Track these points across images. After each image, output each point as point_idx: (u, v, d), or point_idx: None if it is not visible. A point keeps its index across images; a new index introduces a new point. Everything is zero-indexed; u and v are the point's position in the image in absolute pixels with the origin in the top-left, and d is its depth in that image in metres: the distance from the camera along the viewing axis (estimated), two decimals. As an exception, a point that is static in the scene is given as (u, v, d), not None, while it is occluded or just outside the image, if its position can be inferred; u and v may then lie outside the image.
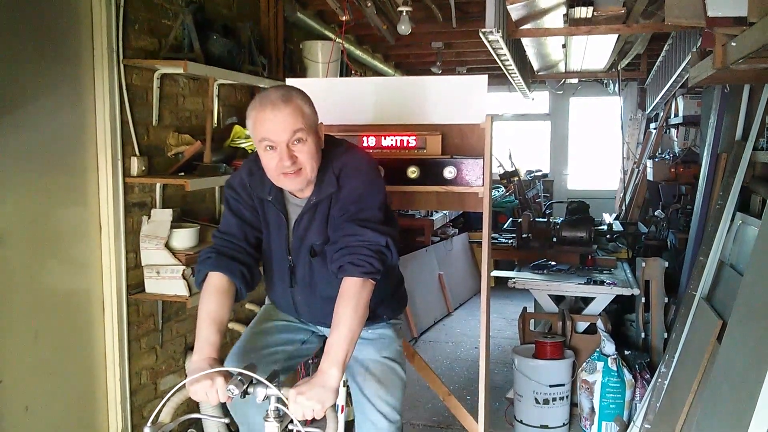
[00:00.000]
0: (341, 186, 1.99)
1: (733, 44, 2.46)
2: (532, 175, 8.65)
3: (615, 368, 3.78)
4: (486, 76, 2.72)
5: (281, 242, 2.09)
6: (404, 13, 3.74)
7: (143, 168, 3.17)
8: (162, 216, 3.22)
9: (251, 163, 2.13)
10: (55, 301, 2.88)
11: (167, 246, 3.16)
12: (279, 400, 1.72)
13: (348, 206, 1.97)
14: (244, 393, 1.74)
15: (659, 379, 3.52)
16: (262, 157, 1.95)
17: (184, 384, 1.77)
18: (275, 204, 2.06)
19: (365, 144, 2.71)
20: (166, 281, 3.15)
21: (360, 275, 1.86)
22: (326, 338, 2.27)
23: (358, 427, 2.19)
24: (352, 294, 1.86)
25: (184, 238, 3.24)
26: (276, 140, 1.88)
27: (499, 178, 7.74)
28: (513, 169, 7.81)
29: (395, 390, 2.18)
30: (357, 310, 1.84)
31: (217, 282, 1.98)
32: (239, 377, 1.73)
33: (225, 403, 1.82)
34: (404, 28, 3.80)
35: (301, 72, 4.66)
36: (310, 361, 2.41)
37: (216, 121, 3.80)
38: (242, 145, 3.80)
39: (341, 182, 1.99)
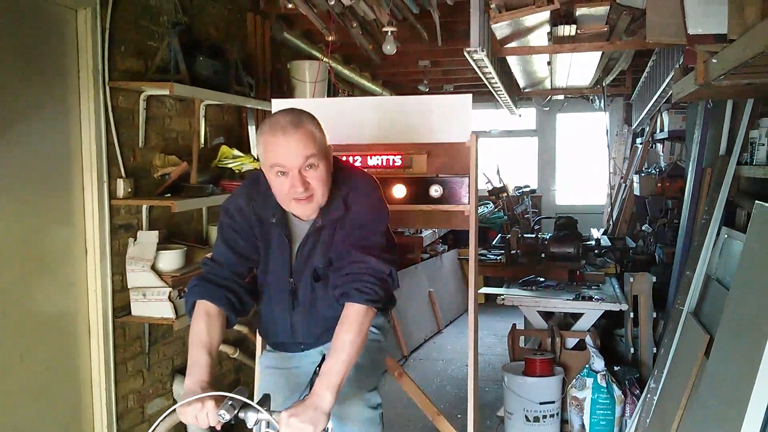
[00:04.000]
0: (348, 210, 1.99)
1: (714, 61, 2.49)
2: (521, 190, 8.68)
3: (605, 384, 3.78)
4: (470, 95, 2.74)
5: (283, 264, 2.08)
6: (389, 34, 3.77)
7: (129, 190, 3.16)
8: (148, 238, 3.21)
9: (249, 188, 2.10)
10: (41, 323, 2.86)
11: (153, 268, 3.14)
12: (270, 424, 1.71)
13: (353, 232, 1.97)
14: (236, 417, 1.72)
15: (649, 395, 3.52)
16: (272, 183, 1.94)
17: (175, 408, 1.75)
18: (279, 226, 2.04)
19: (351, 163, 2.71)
20: (152, 303, 3.13)
21: (364, 302, 1.87)
22: (320, 356, 2.26)
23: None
24: (354, 320, 1.86)
25: (171, 259, 3.23)
26: (288, 166, 1.87)
27: (487, 194, 7.77)
28: (501, 185, 7.84)
29: (376, 365, 2.20)
30: (358, 338, 1.85)
31: (206, 307, 1.96)
32: (230, 401, 1.72)
33: (214, 427, 1.80)
34: (389, 48, 3.83)
35: (289, 91, 4.68)
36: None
37: (203, 142, 3.80)
38: (229, 165, 3.80)
39: (348, 206, 1.99)
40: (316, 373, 2.23)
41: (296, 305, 2.10)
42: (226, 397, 1.73)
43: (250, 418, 1.72)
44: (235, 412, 1.72)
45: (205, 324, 1.92)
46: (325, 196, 1.96)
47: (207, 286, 1.99)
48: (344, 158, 2.70)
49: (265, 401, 1.76)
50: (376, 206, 2.04)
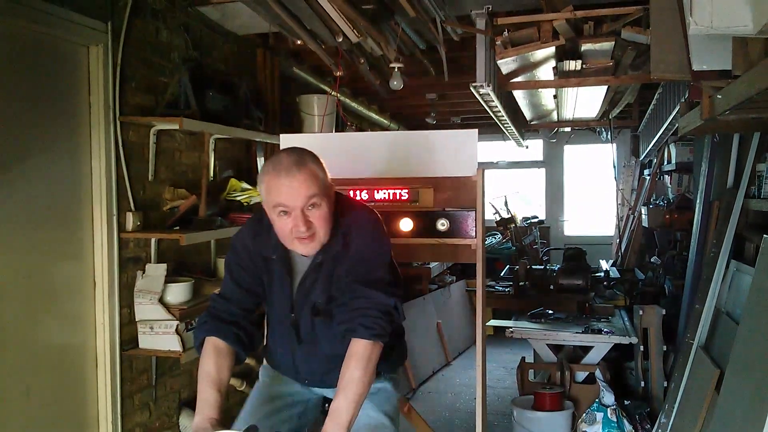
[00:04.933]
0: (348, 245, 1.99)
1: (719, 97, 2.50)
2: (529, 221, 8.68)
3: (615, 419, 3.73)
4: (476, 130, 2.76)
5: (284, 300, 2.08)
6: (396, 70, 3.82)
7: (138, 223, 3.19)
8: (156, 271, 3.22)
9: (254, 224, 2.11)
10: (48, 357, 2.87)
11: (161, 301, 3.15)
12: None
13: (355, 267, 1.97)
14: None
15: (660, 430, 3.47)
16: (275, 222, 1.94)
17: None
18: (280, 262, 2.05)
19: (358, 197, 2.73)
20: (159, 336, 3.14)
21: (371, 338, 1.87)
22: (324, 399, 2.26)
23: None
24: (362, 356, 1.85)
25: (179, 292, 3.24)
26: (291, 206, 1.87)
27: (495, 225, 7.77)
28: (509, 215, 7.85)
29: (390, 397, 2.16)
30: (366, 374, 1.84)
31: (215, 343, 1.97)
32: None
33: None
34: (396, 83, 3.87)
35: (298, 125, 4.72)
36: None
37: (212, 175, 3.83)
38: (238, 198, 3.83)
39: (348, 241, 1.99)
40: (323, 413, 2.22)
41: (298, 340, 2.10)
42: None
43: None
44: None
45: (214, 361, 1.93)
46: (328, 234, 1.96)
47: (216, 323, 1.99)
48: (351, 192, 2.73)
49: None
50: (378, 240, 2.04)
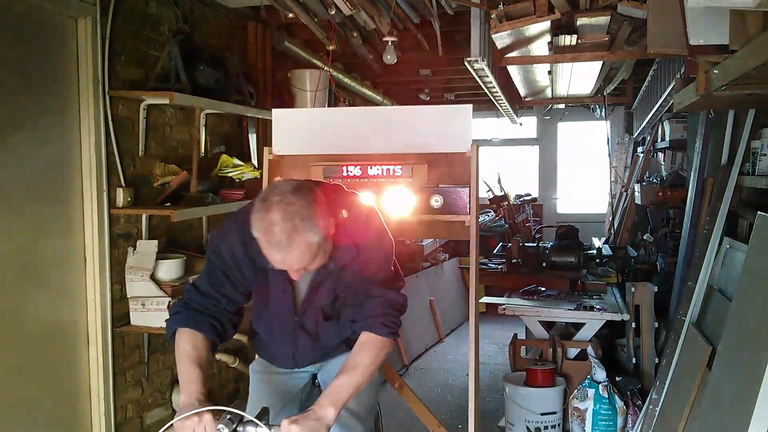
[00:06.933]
0: (357, 249, 1.94)
1: (716, 72, 2.48)
2: (522, 199, 8.66)
3: (606, 395, 3.75)
4: (470, 106, 2.73)
5: (287, 305, 2.05)
6: (389, 44, 3.77)
7: (129, 199, 3.16)
8: (148, 247, 3.20)
9: (243, 227, 1.85)
10: (39, 335, 2.85)
11: (153, 277, 3.13)
12: None
13: (365, 267, 1.96)
14: (234, 431, 1.71)
15: (651, 406, 3.49)
16: None
17: (173, 422, 1.73)
18: (280, 272, 1.89)
19: (351, 173, 2.70)
20: (151, 313, 3.12)
21: (388, 335, 1.91)
22: (315, 376, 2.26)
23: None
24: (374, 348, 1.89)
25: (170, 269, 3.22)
26: (286, 269, 1.83)
27: (488, 203, 7.75)
28: (502, 193, 7.83)
29: (369, 387, 2.13)
30: (372, 365, 1.87)
31: (188, 330, 1.94)
32: (228, 415, 1.70)
33: None
34: (389, 57, 3.83)
35: (289, 100, 4.67)
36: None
37: (203, 151, 3.79)
38: (229, 174, 3.79)
39: (358, 247, 1.94)
40: (316, 386, 2.23)
41: (300, 340, 2.10)
42: (224, 411, 1.71)
43: None
44: (234, 426, 1.70)
45: (190, 341, 1.91)
46: (324, 261, 1.89)
47: (190, 314, 1.95)
48: (344, 168, 2.70)
49: (263, 415, 1.75)
50: (384, 240, 2.03)
